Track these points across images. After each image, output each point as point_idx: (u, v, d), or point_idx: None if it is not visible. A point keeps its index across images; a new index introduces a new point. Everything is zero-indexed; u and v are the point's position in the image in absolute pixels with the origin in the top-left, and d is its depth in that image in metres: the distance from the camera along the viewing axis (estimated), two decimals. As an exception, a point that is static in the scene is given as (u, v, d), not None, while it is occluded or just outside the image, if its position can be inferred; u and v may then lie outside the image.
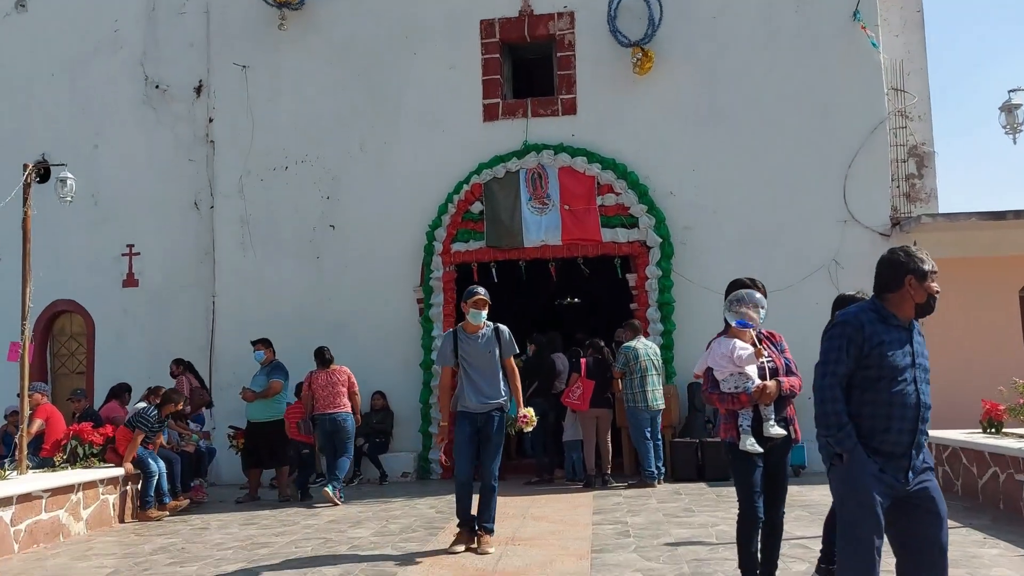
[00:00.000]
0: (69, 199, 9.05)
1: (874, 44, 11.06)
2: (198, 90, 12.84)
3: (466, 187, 11.75)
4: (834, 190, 11.23)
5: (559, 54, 11.99)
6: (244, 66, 12.50)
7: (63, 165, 9.48)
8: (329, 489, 9.26)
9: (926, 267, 3.50)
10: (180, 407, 9.48)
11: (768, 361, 4.64)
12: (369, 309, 11.91)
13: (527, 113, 11.90)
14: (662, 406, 9.82)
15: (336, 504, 9.12)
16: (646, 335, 10.66)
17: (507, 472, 11.20)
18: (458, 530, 6.51)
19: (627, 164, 11.52)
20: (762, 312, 4.69)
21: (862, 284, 10.96)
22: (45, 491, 7.61)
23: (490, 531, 6.46)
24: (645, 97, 11.65)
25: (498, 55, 12.08)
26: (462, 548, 6.33)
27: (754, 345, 4.62)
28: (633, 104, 11.68)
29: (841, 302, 4.93)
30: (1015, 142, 10.25)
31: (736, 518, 6.81)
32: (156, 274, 12.70)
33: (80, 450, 8.94)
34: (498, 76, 12.06)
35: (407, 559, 6.18)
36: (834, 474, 3.49)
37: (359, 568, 5.93)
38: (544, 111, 11.89)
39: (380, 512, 8.56)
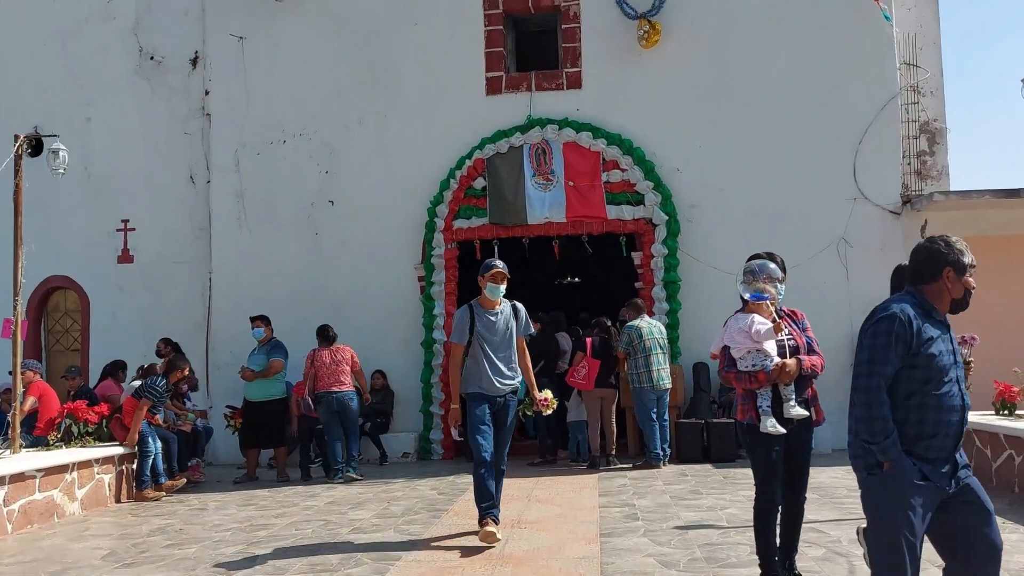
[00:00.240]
0: (62, 171, 8.79)
1: (887, 17, 10.80)
2: (193, 61, 12.54)
3: (468, 162, 11.51)
4: (844, 167, 11.02)
5: (564, 26, 11.70)
6: (240, 37, 12.20)
7: (55, 136, 9.21)
8: (353, 472, 9.46)
9: (966, 260, 3.24)
10: (186, 373, 9.27)
11: (788, 338, 4.44)
12: (369, 287, 11.70)
13: (531, 87, 11.63)
14: (668, 386, 9.65)
15: (358, 479, 9.35)
16: (651, 314, 10.48)
17: (509, 453, 11.04)
18: (487, 518, 5.89)
19: (633, 140, 11.28)
20: (781, 287, 4.49)
21: (871, 264, 10.90)
22: (39, 471, 7.44)
23: (496, 518, 6.12)
24: (652, 71, 11.38)
25: (501, 26, 11.79)
26: (498, 537, 5.82)
27: (774, 320, 4.41)
28: (639, 78, 11.42)
29: (901, 275, 4.65)
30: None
31: (751, 502, 6.71)
32: (151, 250, 12.46)
33: (75, 429, 8.76)
34: (501, 48, 11.78)
35: (410, 542, 6.02)
36: (871, 484, 3.17)
37: (362, 552, 5.77)
38: (548, 85, 11.62)
39: (381, 494, 8.40)
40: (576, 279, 17.19)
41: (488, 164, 11.48)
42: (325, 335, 9.97)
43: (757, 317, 4.40)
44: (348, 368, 9.76)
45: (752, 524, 4.56)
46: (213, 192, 12.23)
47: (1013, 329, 10.42)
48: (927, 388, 3.13)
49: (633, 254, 11.35)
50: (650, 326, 9.75)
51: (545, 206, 11.31)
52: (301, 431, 10.38)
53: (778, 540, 4.50)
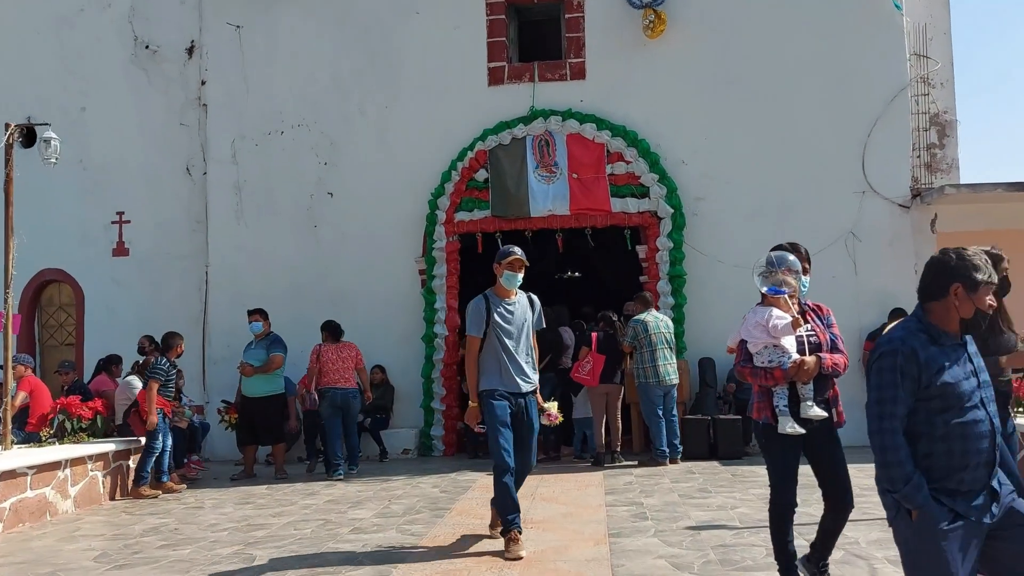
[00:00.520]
0: (54, 160, 8.59)
1: (897, 6, 10.61)
2: (190, 51, 12.32)
3: (470, 154, 11.30)
4: (852, 160, 10.82)
5: (567, 16, 11.49)
6: (238, 26, 11.98)
7: (47, 125, 8.98)
8: (353, 470, 9.46)
9: (980, 276, 2.90)
10: (182, 349, 9.07)
11: (810, 334, 4.22)
12: (369, 280, 11.50)
13: (534, 77, 11.42)
14: (675, 381, 9.46)
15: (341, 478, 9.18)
16: (657, 308, 10.28)
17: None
18: (512, 530, 5.36)
19: (638, 131, 11.08)
20: (805, 280, 4.28)
21: (880, 258, 10.70)
22: (30, 468, 7.24)
23: (520, 528, 5.56)
24: (657, 62, 11.18)
25: (504, 16, 11.58)
26: (524, 552, 5.30)
27: (801, 314, 4.21)
28: (644, 69, 11.21)
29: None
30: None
31: (763, 501, 6.52)
32: (147, 243, 12.25)
33: (68, 425, 8.57)
34: (504, 38, 11.58)
35: (413, 543, 5.83)
36: (901, 526, 2.92)
37: (362, 553, 5.58)
38: (552, 75, 11.42)
39: (381, 492, 8.21)
40: (577, 273, 16.95)
41: (490, 156, 11.28)
42: (334, 331, 9.86)
43: (776, 311, 4.19)
44: (352, 365, 9.67)
45: (768, 525, 4.35)
46: (210, 184, 12.02)
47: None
48: (948, 417, 2.86)
49: (638, 248, 11.15)
50: (656, 320, 9.55)
51: (548, 199, 11.11)
52: (306, 426, 10.22)
53: (792, 542, 4.29)
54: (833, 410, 4.24)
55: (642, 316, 9.55)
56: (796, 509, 4.29)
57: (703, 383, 10.52)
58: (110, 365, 10.12)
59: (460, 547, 5.65)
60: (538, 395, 5.85)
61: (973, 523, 2.83)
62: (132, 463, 8.77)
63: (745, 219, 10.85)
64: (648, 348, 9.31)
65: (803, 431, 4.11)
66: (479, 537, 5.93)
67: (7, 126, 8.33)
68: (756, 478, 8.15)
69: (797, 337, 4.18)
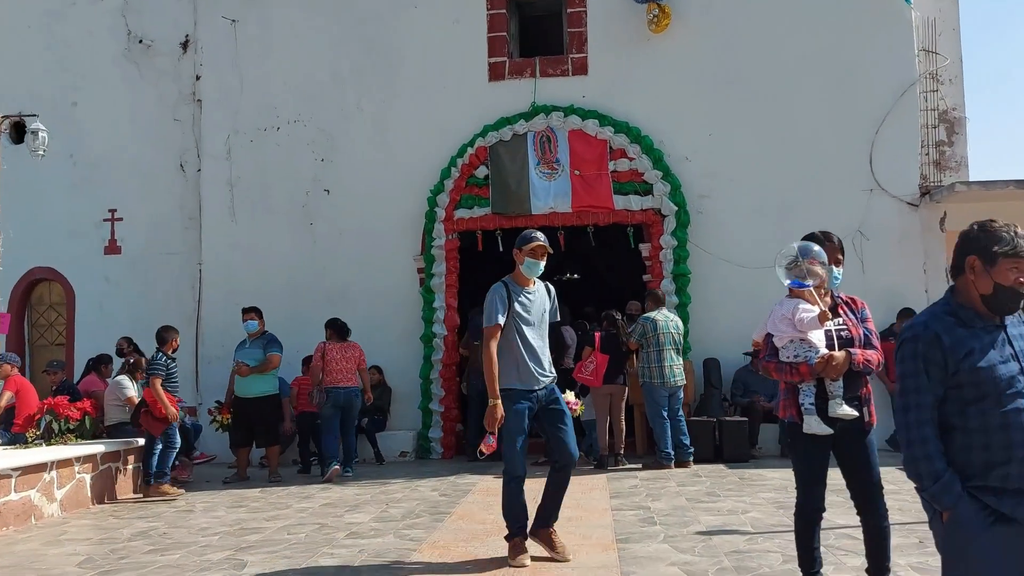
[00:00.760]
0: (42, 152, 8.37)
1: (906, 0, 10.40)
2: (184, 45, 12.08)
3: (470, 150, 11.08)
4: (860, 157, 10.62)
5: (569, 10, 11.28)
6: (233, 20, 11.78)
7: (35, 116, 8.75)
8: (351, 473, 9.28)
9: (999, 248, 2.64)
10: (177, 344, 8.83)
11: (841, 328, 3.98)
12: (366, 279, 11.26)
13: (535, 73, 11.21)
14: (681, 383, 9.22)
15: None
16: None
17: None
18: (515, 540, 5.14)
19: (641, 128, 10.86)
20: (837, 271, 4.04)
21: (888, 257, 10.49)
22: (15, 469, 6.98)
23: (526, 535, 5.21)
24: (661, 57, 10.97)
25: (504, 10, 11.38)
26: (529, 560, 5.07)
27: (833, 307, 3.97)
28: (648, 64, 11.00)
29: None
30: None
31: (774, 506, 6.30)
32: (139, 240, 12.00)
33: (55, 425, 8.30)
34: (504, 33, 11.36)
35: (412, 548, 5.58)
36: (936, 529, 2.67)
37: (360, 559, 5.33)
38: (553, 71, 11.20)
39: (379, 495, 7.96)
40: (575, 275, 16.69)
41: (491, 152, 11.06)
42: (340, 329, 9.70)
43: (803, 303, 3.95)
44: (355, 365, 9.56)
45: (793, 530, 4.11)
46: (204, 181, 11.79)
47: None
48: (984, 407, 2.58)
49: (641, 246, 10.93)
50: (667, 320, 9.32)
51: (550, 196, 10.89)
52: (300, 427, 9.99)
53: (818, 549, 4.05)
54: (865, 409, 3.96)
55: (652, 314, 9.32)
56: (823, 514, 4.03)
57: (708, 384, 10.30)
58: (100, 365, 9.85)
59: (462, 553, 5.41)
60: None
61: (1021, 526, 2.55)
62: (121, 465, 8.51)
63: (750, 217, 10.65)
64: (655, 347, 9.08)
65: (830, 431, 3.87)
66: (481, 543, 5.69)
67: (-6, 118, 8.09)
68: (765, 482, 7.93)
69: (826, 331, 3.93)
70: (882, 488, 3.98)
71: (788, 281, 3.92)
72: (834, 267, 4.03)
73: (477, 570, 4.97)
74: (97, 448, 8.10)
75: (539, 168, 10.97)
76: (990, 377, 2.58)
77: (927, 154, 10.86)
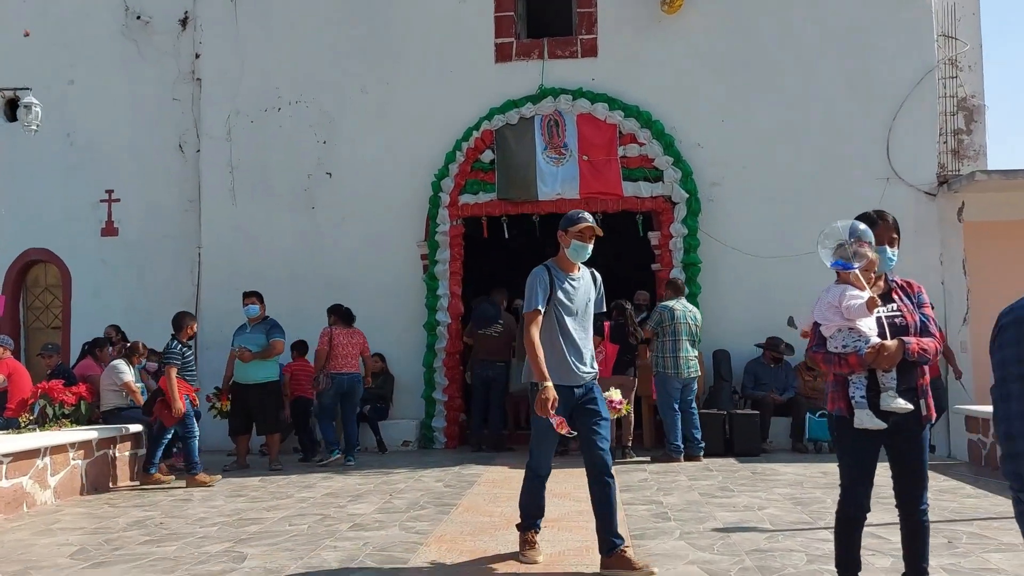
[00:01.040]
0: (35, 127, 8.12)
1: (926, -16, 10.14)
2: (183, 22, 11.82)
3: (476, 134, 10.82)
4: (876, 145, 10.38)
5: (579, -11, 11.00)
6: (234, -3, 11.47)
7: (27, 89, 8.49)
8: (353, 462, 9.21)
9: None
10: (195, 329, 8.60)
11: (894, 314, 3.69)
12: (368, 265, 11.02)
13: (543, 54, 10.94)
14: (696, 374, 9.00)
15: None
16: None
17: (513, 442, 10.43)
18: (528, 533, 4.87)
19: (652, 112, 10.62)
20: (891, 252, 3.78)
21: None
22: (6, 455, 6.73)
23: (621, 543, 4.58)
24: (673, 39, 10.71)
25: (512, -11, 11.09)
26: (541, 556, 4.81)
27: (886, 292, 3.70)
28: (660, 46, 10.75)
29: None
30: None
31: (791, 502, 6.07)
32: (137, 222, 11.75)
33: (50, 410, 8.07)
34: (512, 12, 11.09)
35: (418, 542, 5.36)
36: None
37: (364, 552, 5.11)
38: (562, 52, 10.93)
39: (382, 485, 7.74)
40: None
41: (497, 136, 10.81)
42: (346, 316, 9.64)
43: (850, 289, 3.69)
44: (359, 352, 9.54)
45: (833, 530, 3.86)
46: (203, 162, 11.52)
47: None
48: None
49: (650, 234, 10.70)
50: (685, 310, 9.09)
51: (557, 181, 10.64)
52: (295, 413, 9.80)
53: (859, 551, 3.82)
54: (922, 402, 3.67)
55: (670, 303, 9.09)
56: (867, 515, 3.77)
57: (718, 376, 10.08)
58: (95, 348, 9.61)
59: (470, 549, 5.19)
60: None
61: None
62: (117, 452, 8.28)
63: (763, 206, 10.42)
64: (671, 337, 8.86)
65: (883, 425, 3.60)
66: (490, 536, 5.47)
67: (-15, 92, 7.82)
68: (779, 477, 7.72)
69: (877, 318, 3.66)
70: (927, 490, 3.73)
71: (832, 263, 3.66)
72: (888, 248, 3.77)
73: (486, 566, 4.74)
74: (92, 434, 7.86)
75: (546, 153, 10.72)
76: None
77: (945, 142, 10.60)
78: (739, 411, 9.54)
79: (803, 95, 10.50)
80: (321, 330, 9.61)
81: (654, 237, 10.63)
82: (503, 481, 7.81)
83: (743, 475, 7.89)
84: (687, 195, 10.35)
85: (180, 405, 7.98)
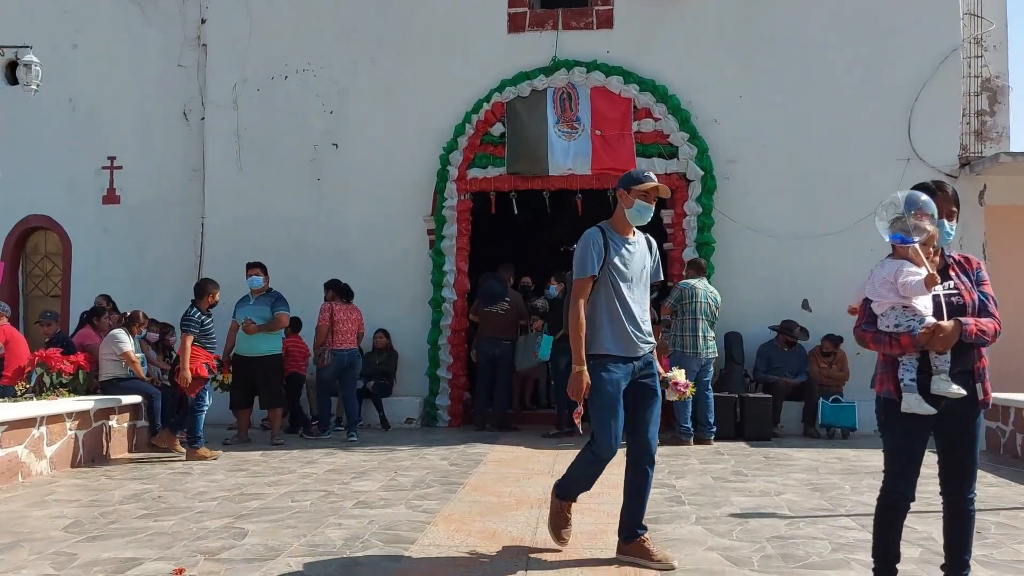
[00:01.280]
0: (35, 87, 7.89)
1: (954, -40, 9.83)
2: (190, -14, 11.51)
3: (486, 106, 10.57)
4: (898, 125, 10.12)
5: (596, -41, 10.70)
6: (242, -40, 11.18)
7: (28, 47, 8.23)
8: (356, 438, 9.11)
9: None
10: (217, 298, 8.37)
11: (952, 293, 3.45)
12: (374, 238, 10.82)
13: (557, 25, 10.66)
14: (714, 355, 8.82)
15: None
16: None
17: (519, 421, 10.26)
18: (566, 503, 4.54)
19: (668, 86, 10.36)
20: (950, 226, 3.53)
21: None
22: (1, 424, 6.56)
23: (643, 532, 4.30)
24: (691, 11, 10.45)
25: (527, -42, 10.79)
26: (569, 536, 4.52)
27: (943, 269, 3.47)
28: (677, 19, 10.48)
29: None
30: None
31: (808, 487, 5.88)
32: (140, 190, 11.54)
33: (47, 379, 7.90)
34: (526, -18, 10.79)
35: (425, 521, 5.17)
36: None
37: (370, 530, 4.93)
38: (576, 23, 10.66)
39: (386, 462, 7.57)
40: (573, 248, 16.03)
41: (508, 109, 10.55)
42: (345, 291, 9.54)
43: (907, 264, 3.44)
44: (356, 328, 9.47)
45: (873, 518, 3.63)
46: (208, 130, 11.29)
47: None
48: None
49: (663, 212, 10.44)
50: (706, 290, 8.90)
51: (569, 156, 10.39)
52: (288, 389, 9.64)
53: (898, 542, 3.61)
54: (978, 386, 3.42)
55: (692, 282, 8.90)
56: (911, 504, 3.53)
57: (730, 359, 9.88)
58: (93, 317, 9.41)
59: (479, 530, 5.00)
60: (658, 363, 4.49)
61: None
62: (115, 423, 8.11)
63: (780, 185, 10.19)
64: (691, 316, 8.66)
65: (932, 410, 3.37)
66: (499, 517, 5.29)
67: (-14, 52, 7.58)
68: (792, 462, 7.53)
69: (934, 297, 3.42)
70: (975, 480, 3.51)
71: (889, 236, 3.41)
72: (946, 221, 3.52)
73: (498, 547, 4.56)
74: (89, 404, 7.69)
75: (558, 127, 10.46)
76: None
77: (967, 124, 10.34)
78: (751, 394, 9.35)
79: (823, 71, 10.23)
80: (321, 305, 9.45)
81: (667, 215, 10.39)
82: (510, 461, 7.64)
83: (756, 459, 7.70)
84: (702, 172, 10.11)
85: (187, 374, 7.81)
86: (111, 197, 11.54)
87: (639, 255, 4.38)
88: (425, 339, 10.58)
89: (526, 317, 10.26)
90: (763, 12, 10.35)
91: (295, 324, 9.89)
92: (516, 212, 10.59)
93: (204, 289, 8.19)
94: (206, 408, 8.07)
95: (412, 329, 10.65)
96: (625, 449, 4.35)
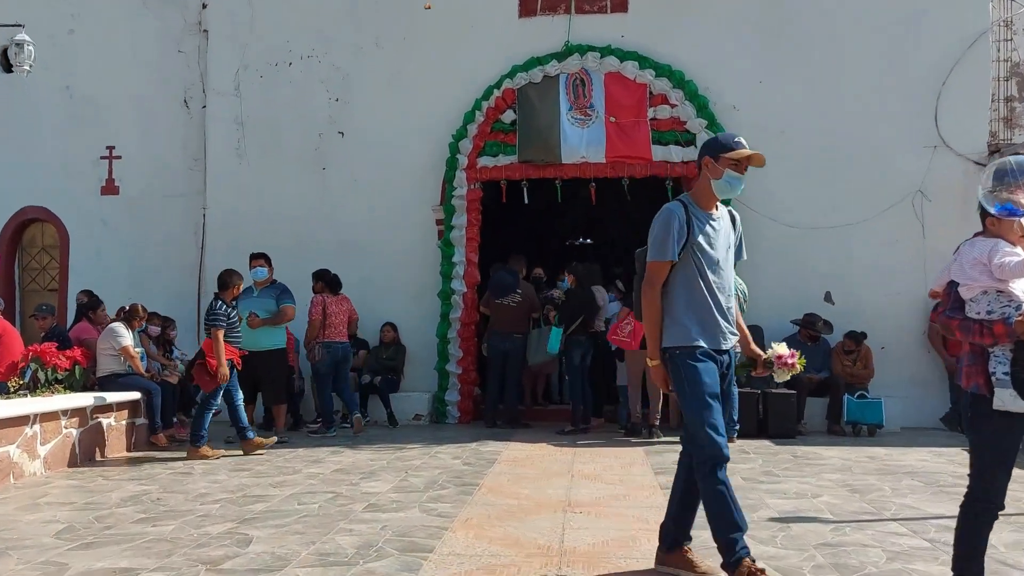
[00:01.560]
0: (28, 68, 7.57)
1: (984, -61, 9.47)
2: (190, -31, 11.16)
3: (497, 93, 10.23)
4: (924, 111, 9.78)
5: (610, -60, 10.34)
6: (243, -57, 10.82)
7: (20, 26, 7.89)
8: (360, 416, 9.07)
9: None
10: (240, 290, 8.05)
11: None
12: (381, 229, 10.48)
13: (570, 9, 10.34)
14: (739, 349, 8.43)
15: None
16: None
17: (531, 418, 9.93)
18: (742, 560, 3.65)
19: (684, 72, 10.03)
20: None
21: (951, 220, 9.65)
22: (-8, 422, 6.23)
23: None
24: (709, -5, 10.06)
25: (539, -61, 10.42)
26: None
27: None
28: (694, 3, 10.16)
29: None
30: None
31: (846, 489, 5.54)
32: (139, 181, 11.20)
33: (41, 375, 7.54)
34: (538, -37, 10.41)
35: (442, 527, 4.83)
36: None
37: (384, 537, 4.59)
38: (590, 7, 10.33)
39: (396, 461, 7.23)
40: (588, 240, 15.67)
41: (519, 95, 10.22)
42: (334, 282, 9.22)
43: (1004, 244, 3.09)
44: (347, 319, 9.22)
45: (956, 525, 3.27)
46: (209, 118, 10.95)
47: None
48: None
49: (679, 203, 10.09)
50: (735, 282, 8.51)
51: (582, 144, 10.05)
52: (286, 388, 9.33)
53: (984, 553, 3.25)
54: None
55: None
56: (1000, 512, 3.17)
57: (750, 352, 9.50)
58: (88, 310, 9.06)
59: (500, 535, 4.66)
60: (747, 337, 3.98)
61: None
62: (113, 420, 7.78)
63: (801, 174, 9.84)
64: (717, 308, 8.29)
65: None
66: (520, 521, 4.95)
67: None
68: (823, 461, 7.18)
69: None
70: None
71: (995, 208, 3.06)
72: None
73: (522, 555, 4.21)
74: (87, 401, 7.36)
75: (571, 114, 10.11)
76: None
77: (995, 110, 9.98)
78: (775, 390, 8.99)
79: (846, 57, 9.88)
80: (312, 298, 9.14)
81: (684, 206, 10.03)
82: (525, 460, 7.30)
83: (784, 459, 7.35)
84: (721, 161, 9.74)
85: (225, 370, 7.52)
86: (110, 188, 11.21)
87: (724, 233, 3.84)
88: (434, 333, 10.25)
89: (538, 310, 9.92)
90: (784, -5, 9.99)
91: None
92: (527, 202, 10.24)
93: (228, 281, 7.87)
94: (215, 407, 7.75)
95: (420, 322, 10.32)
96: (682, 454, 3.96)
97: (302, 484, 6.21)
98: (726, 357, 3.80)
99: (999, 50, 9.96)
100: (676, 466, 4.05)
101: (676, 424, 9.41)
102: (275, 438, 7.89)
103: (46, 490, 6.09)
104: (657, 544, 4.04)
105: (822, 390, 9.26)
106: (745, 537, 3.70)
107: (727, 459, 3.65)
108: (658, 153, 9.91)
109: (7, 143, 11.30)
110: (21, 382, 7.41)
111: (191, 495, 5.86)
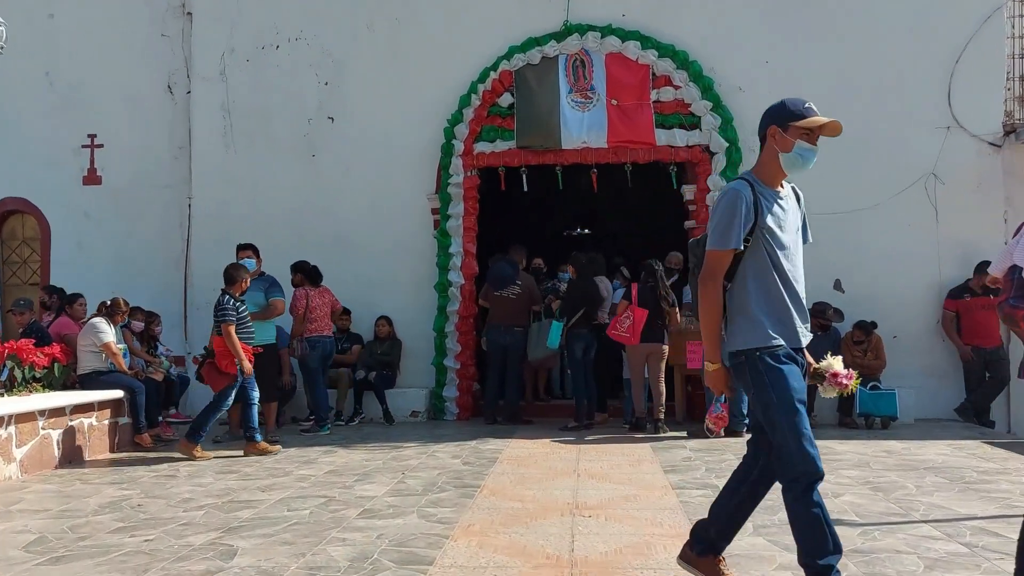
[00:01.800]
0: (0, 46, 7.14)
1: (998, -89, 9.11)
2: (173, -51, 10.74)
3: (493, 75, 9.85)
4: (936, 90, 9.44)
5: (610, -84, 9.94)
6: (228, -79, 10.41)
7: (-11, 4, 7.49)
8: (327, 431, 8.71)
9: None
10: (247, 283, 7.72)
11: None
12: (374, 219, 10.11)
13: (569, -13, 9.91)
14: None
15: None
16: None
17: (532, 414, 9.59)
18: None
19: (689, 52, 9.66)
20: None
21: (965, 203, 9.31)
22: (-37, 424, 5.88)
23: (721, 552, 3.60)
24: (713, -29, 9.69)
25: (536, -85, 10.02)
26: None
27: None
28: (698, -21, 9.73)
29: None
30: None
31: (867, 486, 5.22)
32: (122, 170, 10.78)
33: (18, 373, 7.18)
34: (535, -59, 10.02)
35: (442, 534, 4.49)
36: None
37: (379, 547, 4.24)
38: (590, -15, 9.91)
39: (392, 462, 6.88)
40: (587, 230, 15.28)
41: (517, 77, 9.85)
42: (314, 274, 8.91)
43: None
44: (330, 311, 8.95)
45: (1018, 538, 2.97)
46: (194, 105, 10.55)
47: None
48: None
49: (684, 187, 9.78)
50: None
51: (583, 128, 9.69)
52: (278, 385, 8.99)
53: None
54: None
55: None
56: None
57: (756, 345, 9.18)
58: (65, 305, 8.68)
59: (505, 543, 4.32)
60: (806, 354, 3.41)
61: None
62: (95, 420, 7.42)
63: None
64: (725, 298, 7.95)
65: None
66: (525, 527, 4.61)
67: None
68: (839, 457, 6.86)
69: None
70: None
71: None
72: None
73: (530, 566, 3.87)
74: (66, 400, 7.00)
75: (571, 96, 9.75)
76: None
77: (1010, 89, 9.63)
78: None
79: (856, 35, 9.53)
80: (295, 292, 8.82)
81: (689, 191, 9.72)
82: (527, 459, 6.97)
83: (798, 454, 7.01)
84: (727, 144, 9.41)
85: (248, 365, 7.27)
86: (92, 178, 10.80)
87: (792, 213, 3.35)
88: (431, 326, 9.89)
89: (539, 302, 9.57)
90: (790, -29, 9.63)
91: None
92: (527, 189, 9.88)
93: (235, 276, 7.58)
94: (225, 408, 7.45)
95: (417, 316, 9.96)
96: (745, 459, 3.67)
97: (292, 487, 5.86)
98: (800, 355, 3.30)
99: (1014, 26, 9.60)
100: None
101: (682, 417, 9.12)
102: (279, 447, 7.50)
103: (20, 495, 5.73)
104: (681, 546, 3.68)
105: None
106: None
107: (822, 476, 3.19)
108: (662, 137, 9.56)
109: (-15, 132, 10.90)
110: (-3, 381, 7.04)
111: (174, 500, 5.51)
